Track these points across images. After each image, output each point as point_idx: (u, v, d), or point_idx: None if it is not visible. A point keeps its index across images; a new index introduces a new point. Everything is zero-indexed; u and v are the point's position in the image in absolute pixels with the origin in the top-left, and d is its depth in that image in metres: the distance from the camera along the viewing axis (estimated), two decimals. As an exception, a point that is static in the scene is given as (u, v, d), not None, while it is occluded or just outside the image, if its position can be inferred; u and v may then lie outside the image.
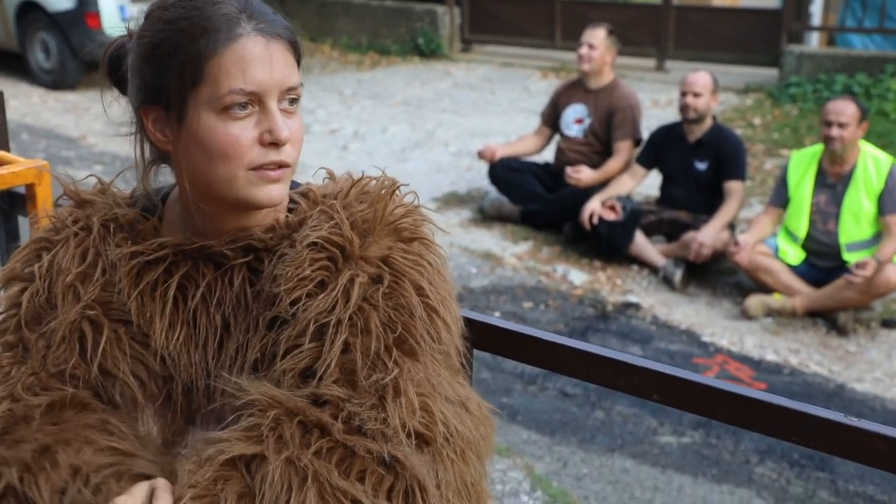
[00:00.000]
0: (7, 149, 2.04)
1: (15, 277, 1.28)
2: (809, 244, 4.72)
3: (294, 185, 1.31)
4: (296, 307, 1.17)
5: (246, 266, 1.24)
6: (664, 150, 5.34)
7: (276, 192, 1.18)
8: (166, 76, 1.16)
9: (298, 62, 1.21)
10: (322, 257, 1.18)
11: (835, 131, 4.53)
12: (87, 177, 1.37)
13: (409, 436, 1.10)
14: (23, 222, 2.02)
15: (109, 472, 1.12)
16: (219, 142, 1.15)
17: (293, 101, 1.19)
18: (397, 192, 1.27)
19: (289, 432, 1.07)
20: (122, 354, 1.22)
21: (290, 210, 1.28)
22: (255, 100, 1.15)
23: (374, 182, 1.29)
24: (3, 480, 1.12)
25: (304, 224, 1.23)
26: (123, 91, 1.27)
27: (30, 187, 1.84)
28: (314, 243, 1.19)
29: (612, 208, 5.19)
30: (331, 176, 1.33)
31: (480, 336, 1.44)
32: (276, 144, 1.16)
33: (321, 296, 1.16)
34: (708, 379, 1.32)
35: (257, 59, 1.14)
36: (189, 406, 1.24)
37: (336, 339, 1.13)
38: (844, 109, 4.54)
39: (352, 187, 1.27)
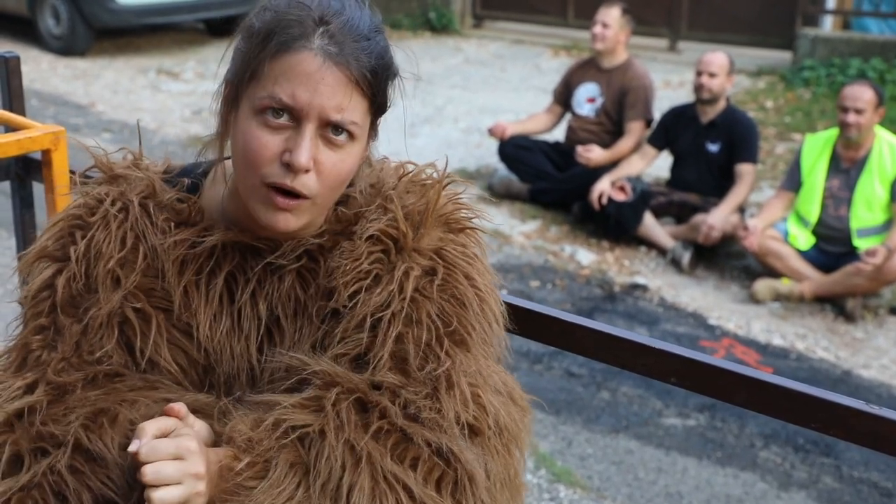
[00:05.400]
0: (22, 113, 2.02)
1: (46, 255, 1.24)
2: (820, 229, 4.70)
3: None
4: (353, 300, 1.16)
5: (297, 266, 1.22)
6: (676, 130, 5.31)
7: (283, 220, 1.13)
8: (242, 62, 1.16)
9: (373, 101, 1.16)
10: (377, 250, 1.18)
11: (851, 117, 4.49)
12: (120, 149, 1.33)
13: (461, 427, 1.11)
14: (37, 188, 2.01)
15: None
16: (246, 142, 1.13)
17: (339, 131, 1.13)
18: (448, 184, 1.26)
19: (348, 411, 1.08)
20: (162, 342, 1.20)
21: (340, 202, 1.25)
22: (293, 115, 1.11)
23: (412, 167, 1.29)
24: (71, 439, 1.11)
25: (360, 218, 1.21)
26: None
27: (46, 153, 1.83)
28: (371, 236, 1.18)
29: (622, 189, 5.17)
30: (367, 161, 1.31)
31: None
32: (290, 166, 1.11)
33: (377, 290, 1.16)
34: (727, 363, 1.31)
35: (305, 76, 1.10)
36: (230, 395, 1.22)
37: (390, 330, 1.14)
38: (861, 95, 4.50)
39: (401, 178, 1.26)
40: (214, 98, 1.22)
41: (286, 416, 1.07)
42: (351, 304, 1.16)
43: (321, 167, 1.13)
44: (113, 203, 1.23)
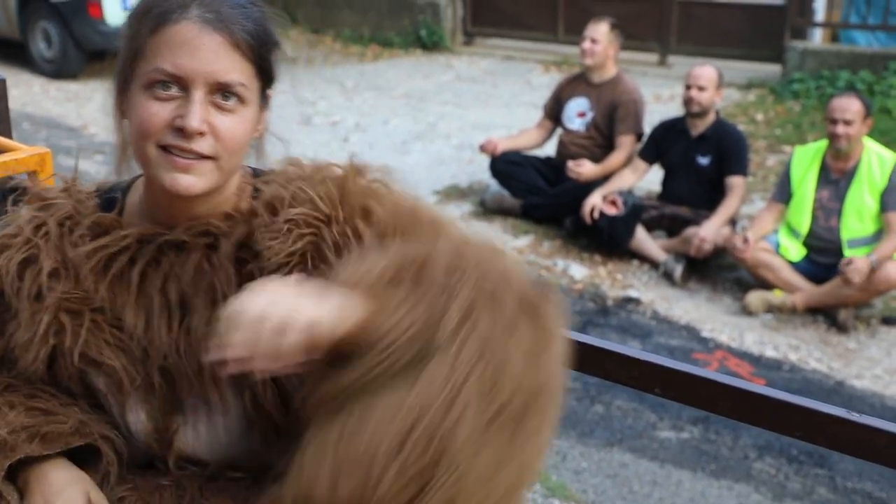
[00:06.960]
0: (9, 136, 2.03)
1: None
2: (811, 240, 4.71)
3: (257, 171, 1.32)
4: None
5: (203, 245, 1.25)
6: (666, 144, 5.33)
7: (184, 181, 1.16)
8: (126, 46, 1.20)
9: (257, 63, 1.19)
10: (307, 233, 1.19)
11: (840, 128, 4.52)
12: (52, 175, 1.41)
13: None
14: (24, 210, 2.02)
15: (26, 435, 1.19)
16: (138, 116, 1.17)
17: (228, 96, 1.17)
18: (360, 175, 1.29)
19: None
20: (104, 343, 1.24)
21: (253, 198, 1.28)
22: (180, 84, 1.15)
23: (324, 162, 1.31)
24: None
25: (273, 211, 1.23)
26: None
27: (32, 174, 1.84)
28: (292, 219, 1.20)
29: (614, 203, 5.18)
30: (294, 162, 1.33)
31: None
32: (182, 131, 1.14)
33: (354, 264, 1.14)
34: (710, 373, 1.32)
35: (185, 43, 1.14)
36: (173, 391, 1.26)
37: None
38: (849, 106, 4.52)
39: (316, 173, 1.28)
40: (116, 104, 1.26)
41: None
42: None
43: (217, 131, 1.16)
44: (37, 229, 1.28)
